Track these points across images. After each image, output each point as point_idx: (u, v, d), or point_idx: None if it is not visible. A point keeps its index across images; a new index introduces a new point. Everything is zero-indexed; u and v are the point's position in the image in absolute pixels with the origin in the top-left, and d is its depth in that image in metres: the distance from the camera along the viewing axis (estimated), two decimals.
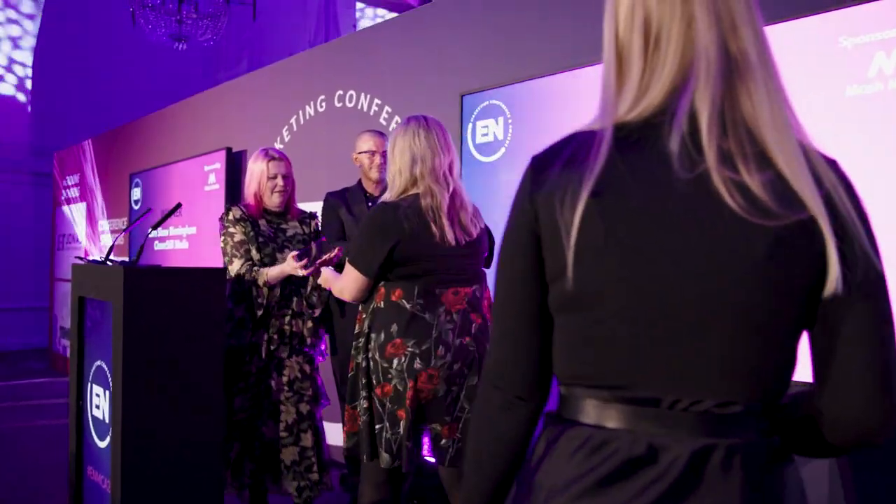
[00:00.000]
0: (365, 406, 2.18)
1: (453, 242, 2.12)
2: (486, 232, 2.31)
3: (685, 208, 0.77)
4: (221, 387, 2.65)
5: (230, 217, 2.86)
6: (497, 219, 3.38)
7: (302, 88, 4.71)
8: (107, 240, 7.06)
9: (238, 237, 2.82)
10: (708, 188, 0.76)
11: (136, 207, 6.27)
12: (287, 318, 2.83)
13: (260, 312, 2.77)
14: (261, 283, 2.74)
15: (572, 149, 0.82)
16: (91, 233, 7.44)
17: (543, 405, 0.90)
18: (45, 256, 8.95)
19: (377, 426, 2.16)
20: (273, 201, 2.89)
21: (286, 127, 4.82)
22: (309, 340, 2.89)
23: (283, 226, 2.94)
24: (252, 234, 2.84)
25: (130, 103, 9.34)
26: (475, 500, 0.94)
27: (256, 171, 2.89)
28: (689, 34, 0.80)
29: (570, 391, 0.85)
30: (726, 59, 0.79)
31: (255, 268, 2.77)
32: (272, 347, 2.80)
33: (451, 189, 2.14)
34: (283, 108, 4.86)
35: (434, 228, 2.09)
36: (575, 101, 2.90)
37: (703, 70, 0.79)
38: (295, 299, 2.83)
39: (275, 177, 2.87)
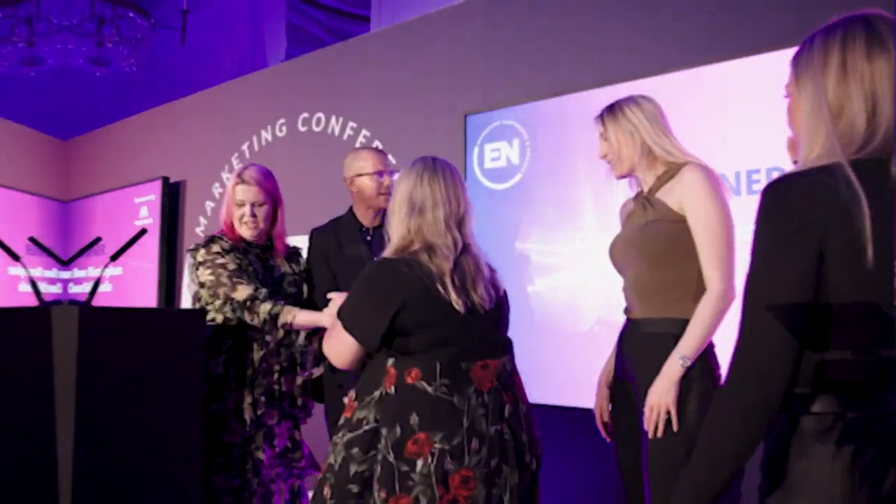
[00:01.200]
0: None
1: (462, 311, 1.69)
2: (506, 295, 1.89)
3: None
4: (200, 466, 2.08)
5: (215, 248, 2.27)
6: (507, 251, 3.06)
7: (257, 111, 4.20)
8: None
9: (232, 266, 2.24)
10: None
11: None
12: (276, 376, 2.27)
13: (251, 364, 2.21)
14: (280, 323, 2.16)
15: (840, 179, 0.97)
16: None
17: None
18: None
19: None
20: (244, 234, 2.33)
21: (236, 154, 4.28)
22: (300, 401, 2.35)
23: (271, 262, 2.39)
24: (251, 268, 2.28)
25: None
26: (702, 499, 1.03)
27: (226, 195, 2.35)
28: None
29: (837, 392, 0.98)
30: None
31: (280, 303, 2.19)
32: (259, 412, 2.24)
33: (458, 247, 1.73)
34: (234, 133, 4.32)
35: (441, 291, 1.69)
36: None
37: None
38: (283, 351, 2.28)
39: (241, 204, 2.30)
